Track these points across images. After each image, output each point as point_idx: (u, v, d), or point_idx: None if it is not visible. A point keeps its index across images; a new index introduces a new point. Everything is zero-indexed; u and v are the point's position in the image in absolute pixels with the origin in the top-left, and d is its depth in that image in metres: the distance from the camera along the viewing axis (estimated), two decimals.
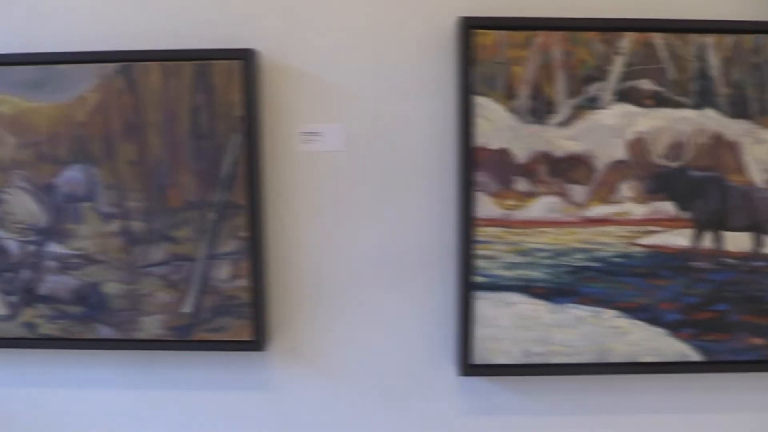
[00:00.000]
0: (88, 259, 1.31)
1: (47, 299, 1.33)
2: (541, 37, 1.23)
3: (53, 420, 1.41)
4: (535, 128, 1.25)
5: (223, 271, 1.29)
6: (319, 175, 1.32)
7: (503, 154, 1.26)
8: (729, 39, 1.24)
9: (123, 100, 1.27)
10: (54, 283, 1.32)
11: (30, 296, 1.33)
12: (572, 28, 1.23)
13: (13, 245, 1.32)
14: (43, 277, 1.32)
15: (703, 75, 1.24)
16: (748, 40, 1.24)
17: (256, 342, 1.31)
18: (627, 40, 1.24)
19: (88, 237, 1.30)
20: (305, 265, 1.34)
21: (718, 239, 1.28)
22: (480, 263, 1.28)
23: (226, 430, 1.39)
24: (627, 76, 1.24)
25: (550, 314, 1.29)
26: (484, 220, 1.27)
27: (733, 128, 1.25)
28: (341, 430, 1.38)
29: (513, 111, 1.25)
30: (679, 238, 1.27)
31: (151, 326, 1.32)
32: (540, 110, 1.25)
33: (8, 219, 1.31)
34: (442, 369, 1.36)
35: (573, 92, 1.25)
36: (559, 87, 1.25)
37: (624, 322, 1.29)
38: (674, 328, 1.29)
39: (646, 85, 1.25)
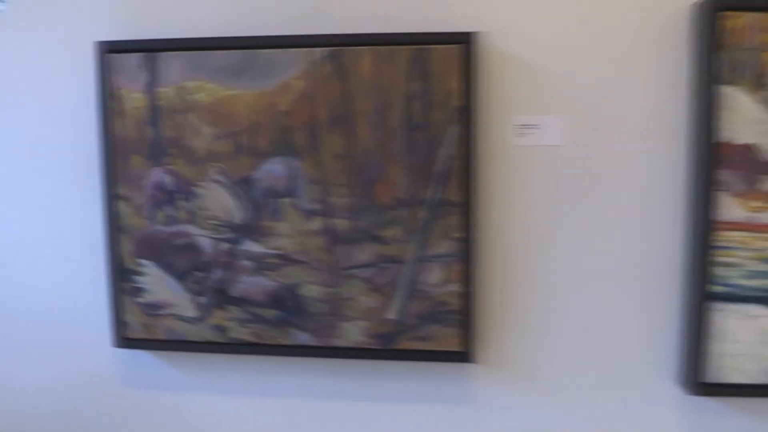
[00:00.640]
0: (286, 259, 1.22)
1: (240, 301, 1.24)
2: None
3: (233, 430, 1.32)
4: None
5: (433, 275, 1.19)
6: (534, 171, 1.21)
7: (749, 150, 1.14)
8: None
9: (330, 87, 1.17)
10: (248, 284, 1.23)
11: (221, 298, 1.24)
12: None
13: (205, 243, 1.23)
14: (237, 277, 1.23)
15: None
16: None
17: (465, 353, 1.20)
18: None
19: (287, 235, 1.21)
20: (516, 269, 1.23)
21: None
22: (718, 271, 1.15)
23: None
24: None
25: None
26: (725, 223, 1.15)
27: None
28: None
29: (763, 102, 1.13)
30: None
31: (353, 333, 1.22)
32: None
33: (201, 215, 1.23)
34: (662, 387, 1.24)
35: None
36: None
37: None
38: None
39: None
